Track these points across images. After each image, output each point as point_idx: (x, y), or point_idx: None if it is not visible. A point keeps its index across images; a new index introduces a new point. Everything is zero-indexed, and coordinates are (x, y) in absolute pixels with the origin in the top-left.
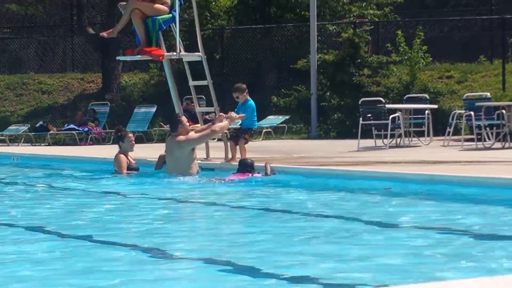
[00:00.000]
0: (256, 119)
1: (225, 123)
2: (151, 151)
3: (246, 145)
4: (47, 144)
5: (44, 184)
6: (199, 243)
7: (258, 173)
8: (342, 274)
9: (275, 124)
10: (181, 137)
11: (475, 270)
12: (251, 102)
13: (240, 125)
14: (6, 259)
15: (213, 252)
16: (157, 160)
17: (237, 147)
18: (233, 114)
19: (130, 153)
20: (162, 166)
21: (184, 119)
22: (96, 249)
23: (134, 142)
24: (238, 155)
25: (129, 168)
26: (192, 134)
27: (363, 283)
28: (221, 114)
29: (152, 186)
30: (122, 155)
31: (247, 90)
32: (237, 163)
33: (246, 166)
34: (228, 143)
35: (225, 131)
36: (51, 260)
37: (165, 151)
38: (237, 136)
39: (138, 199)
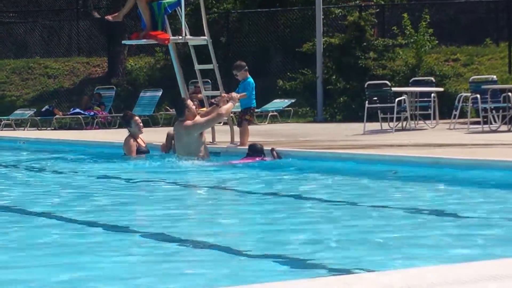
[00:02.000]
0: (254, 97)
1: (229, 105)
2: (157, 135)
3: (251, 128)
4: (53, 128)
5: (50, 168)
6: (207, 228)
7: (266, 157)
8: (346, 257)
9: (281, 108)
10: (189, 122)
11: (480, 253)
12: (250, 79)
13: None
14: (11, 244)
15: (219, 236)
16: (165, 140)
17: (239, 130)
18: (234, 94)
19: (141, 136)
20: (171, 146)
21: (190, 103)
22: (102, 233)
23: (141, 125)
24: (237, 139)
25: (139, 151)
26: (199, 119)
27: (368, 266)
28: (223, 95)
29: (160, 169)
30: (131, 139)
31: (246, 68)
32: (246, 147)
33: (255, 151)
34: (234, 127)
35: (231, 114)
36: (57, 245)
37: (173, 136)
38: (240, 123)
39: (146, 182)
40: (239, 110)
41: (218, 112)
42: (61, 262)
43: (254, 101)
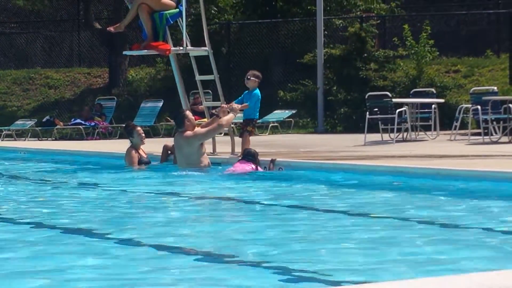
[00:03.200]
0: (258, 110)
1: (230, 115)
2: (158, 146)
3: (252, 139)
4: (53, 138)
5: (51, 178)
6: (206, 238)
7: (263, 167)
8: (346, 269)
9: (282, 119)
10: (189, 133)
11: (482, 265)
12: (257, 92)
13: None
14: (13, 257)
15: (218, 247)
16: (161, 152)
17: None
18: (234, 105)
19: (142, 147)
20: (168, 157)
21: (189, 113)
22: (103, 244)
23: (143, 135)
24: (237, 150)
25: (140, 162)
26: (199, 129)
27: (368, 278)
28: (223, 105)
29: (161, 179)
30: (133, 150)
31: (260, 80)
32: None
33: (249, 155)
34: (235, 138)
35: (232, 125)
36: (58, 255)
37: (174, 147)
38: (242, 133)
39: (147, 193)
40: (241, 120)
41: (219, 122)
42: (59, 271)
43: (257, 113)
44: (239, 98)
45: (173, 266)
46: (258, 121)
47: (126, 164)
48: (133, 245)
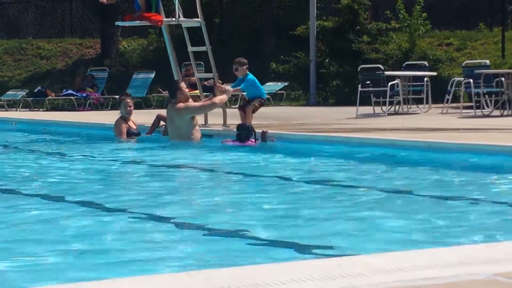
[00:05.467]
0: (263, 89)
1: (223, 96)
2: (150, 117)
3: (255, 114)
4: (45, 109)
5: (42, 149)
6: (195, 210)
7: (257, 140)
8: (338, 240)
9: (274, 91)
10: (181, 105)
11: (471, 237)
12: (251, 76)
13: (247, 97)
14: (7, 225)
15: (209, 219)
16: (153, 120)
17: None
18: (228, 87)
19: (133, 118)
20: (157, 127)
21: (183, 85)
22: (91, 216)
23: (130, 108)
24: (229, 122)
25: (129, 133)
26: (191, 103)
27: (360, 249)
28: (218, 85)
29: (149, 151)
30: (121, 120)
31: (247, 65)
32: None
33: (245, 129)
34: (227, 110)
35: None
36: (45, 227)
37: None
38: (244, 105)
39: (135, 165)
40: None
41: (213, 101)
42: (51, 243)
43: (264, 92)
44: (235, 83)
45: (158, 237)
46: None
47: (115, 135)
48: (115, 216)
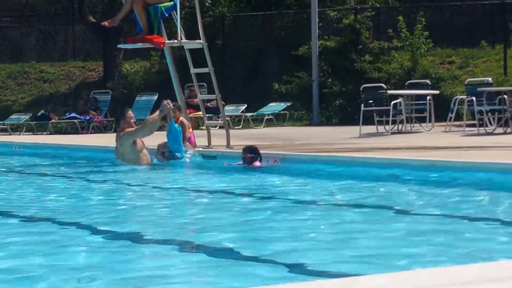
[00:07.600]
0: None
1: (155, 114)
2: (151, 140)
3: (248, 132)
4: (48, 133)
5: (45, 172)
6: (194, 231)
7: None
8: (339, 262)
9: (277, 111)
10: (121, 132)
11: (474, 256)
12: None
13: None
14: (11, 249)
15: (208, 239)
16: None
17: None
18: (165, 102)
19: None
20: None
21: (129, 114)
22: (91, 236)
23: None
24: (233, 143)
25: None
26: (128, 129)
27: (360, 271)
28: (165, 102)
29: (149, 174)
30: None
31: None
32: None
33: (252, 151)
34: (230, 131)
35: (227, 118)
36: (51, 248)
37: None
38: None
39: (138, 186)
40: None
41: (145, 121)
42: (53, 264)
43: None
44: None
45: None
46: (252, 113)
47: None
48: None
